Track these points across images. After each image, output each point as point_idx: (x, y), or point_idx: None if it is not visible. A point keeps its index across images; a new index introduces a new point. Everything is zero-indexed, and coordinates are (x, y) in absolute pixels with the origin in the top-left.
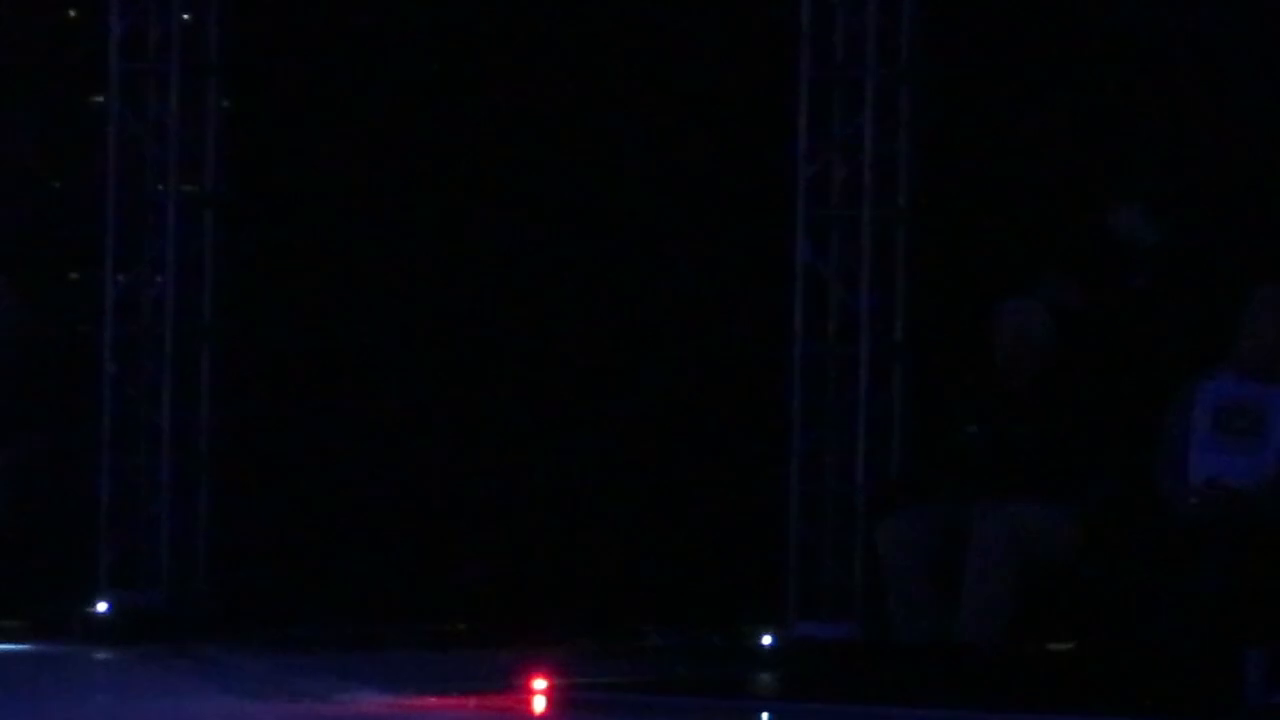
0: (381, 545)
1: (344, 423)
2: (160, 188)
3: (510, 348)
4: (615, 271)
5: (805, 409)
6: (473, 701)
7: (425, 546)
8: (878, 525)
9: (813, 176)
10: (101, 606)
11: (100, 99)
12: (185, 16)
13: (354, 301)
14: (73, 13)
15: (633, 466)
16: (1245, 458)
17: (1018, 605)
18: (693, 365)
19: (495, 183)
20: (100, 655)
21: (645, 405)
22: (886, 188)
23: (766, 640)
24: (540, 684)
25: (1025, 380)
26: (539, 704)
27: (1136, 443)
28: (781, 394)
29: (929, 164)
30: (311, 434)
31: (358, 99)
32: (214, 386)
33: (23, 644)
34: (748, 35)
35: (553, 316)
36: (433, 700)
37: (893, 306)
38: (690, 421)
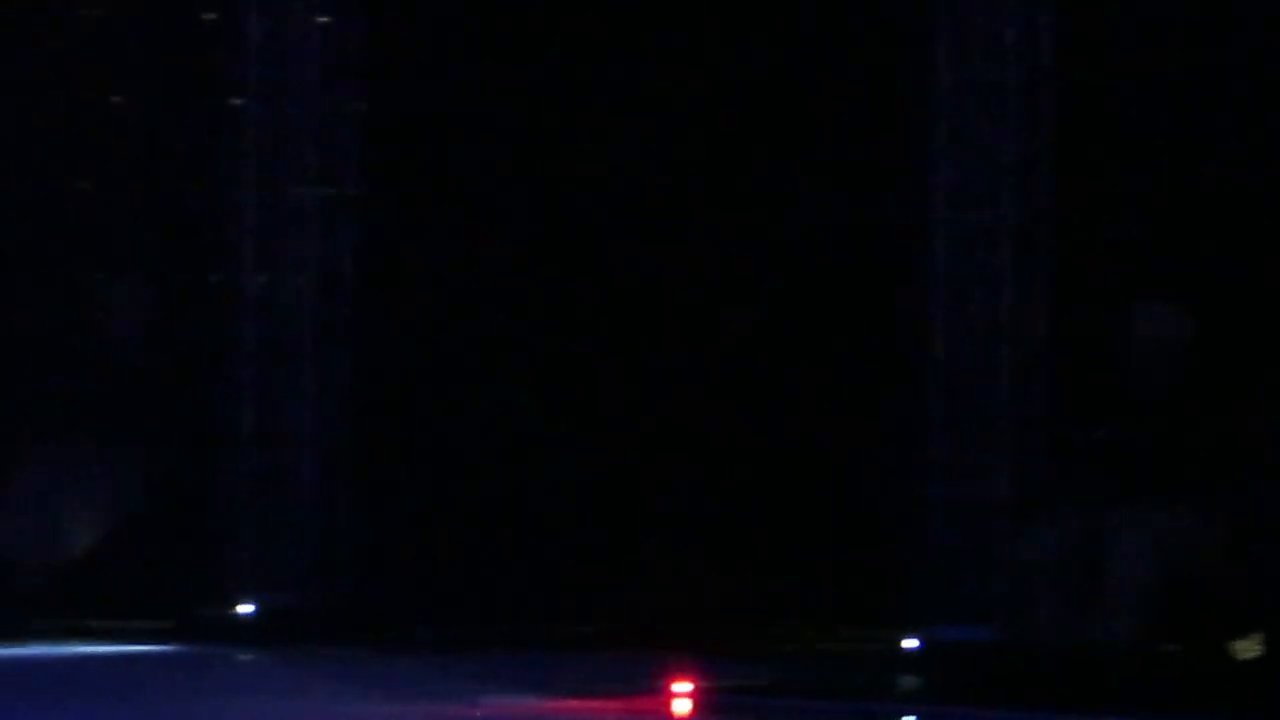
0: (522, 545)
1: (483, 421)
2: (299, 190)
3: (648, 354)
4: (753, 280)
5: (945, 414)
6: (617, 704)
7: (567, 548)
8: (1020, 529)
9: (951, 181)
10: (246, 608)
11: (238, 101)
12: (323, 19)
13: (491, 302)
14: (211, 15)
15: (775, 473)
16: None
17: (1159, 609)
18: (835, 372)
19: (624, 189)
20: (244, 656)
21: (788, 414)
22: (1027, 191)
23: (910, 644)
24: (683, 687)
25: (1161, 383)
26: (682, 707)
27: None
28: (923, 399)
29: (1067, 167)
30: (451, 433)
31: (493, 102)
32: (354, 387)
33: (171, 645)
34: (884, 38)
35: (687, 323)
36: (577, 703)
37: (1034, 310)
38: (834, 428)
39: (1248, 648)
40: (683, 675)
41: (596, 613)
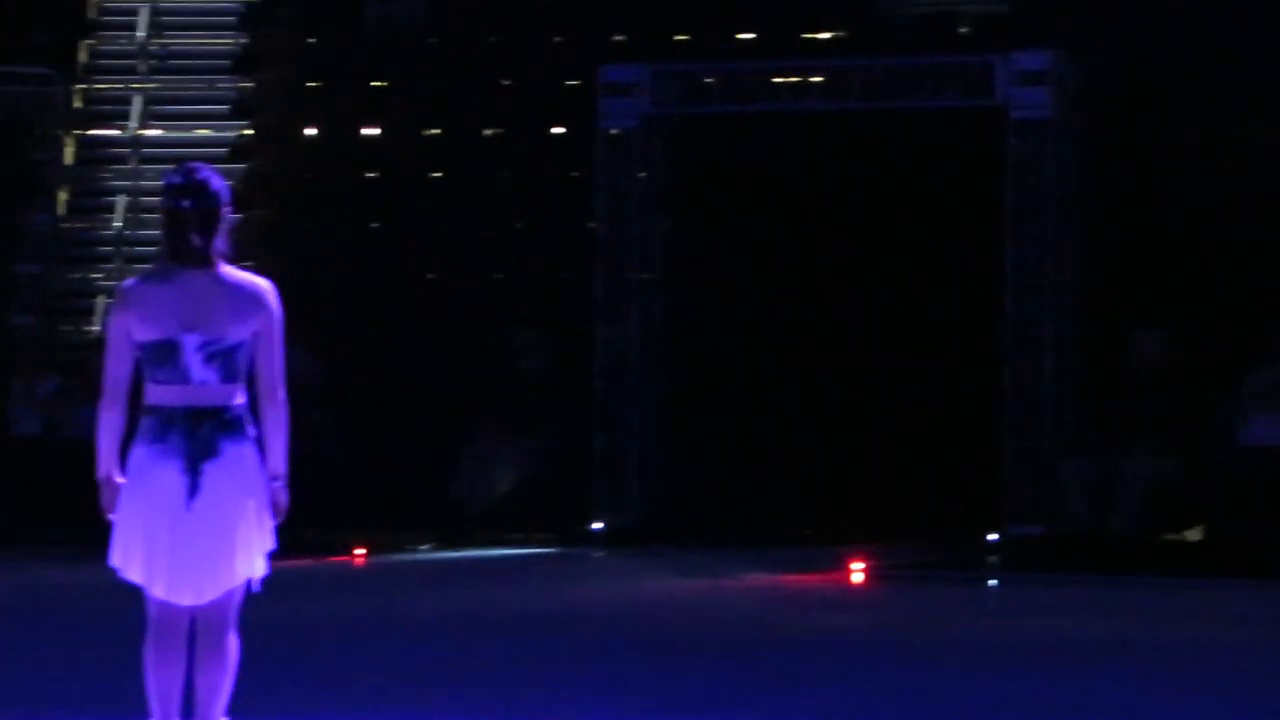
0: (771, 479)
1: (741, 408)
2: (628, 275)
3: (849, 347)
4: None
5: (1014, 391)
6: (817, 577)
7: (794, 483)
8: (1061, 464)
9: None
10: (597, 525)
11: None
12: (641, 174)
13: (756, 338)
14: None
15: (916, 435)
16: None
17: (1150, 514)
18: (956, 361)
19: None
20: (597, 554)
21: (921, 395)
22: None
23: (993, 536)
24: (859, 565)
25: (1146, 379)
26: (858, 579)
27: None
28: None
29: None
30: (719, 419)
31: (765, 214)
32: (663, 394)
33: (547, 549)
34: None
35: (863, 330)
36: (792, 578)
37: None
38: (947, 401)
39: (1196, 534)
40: (858, 558)
41: (813, 520)
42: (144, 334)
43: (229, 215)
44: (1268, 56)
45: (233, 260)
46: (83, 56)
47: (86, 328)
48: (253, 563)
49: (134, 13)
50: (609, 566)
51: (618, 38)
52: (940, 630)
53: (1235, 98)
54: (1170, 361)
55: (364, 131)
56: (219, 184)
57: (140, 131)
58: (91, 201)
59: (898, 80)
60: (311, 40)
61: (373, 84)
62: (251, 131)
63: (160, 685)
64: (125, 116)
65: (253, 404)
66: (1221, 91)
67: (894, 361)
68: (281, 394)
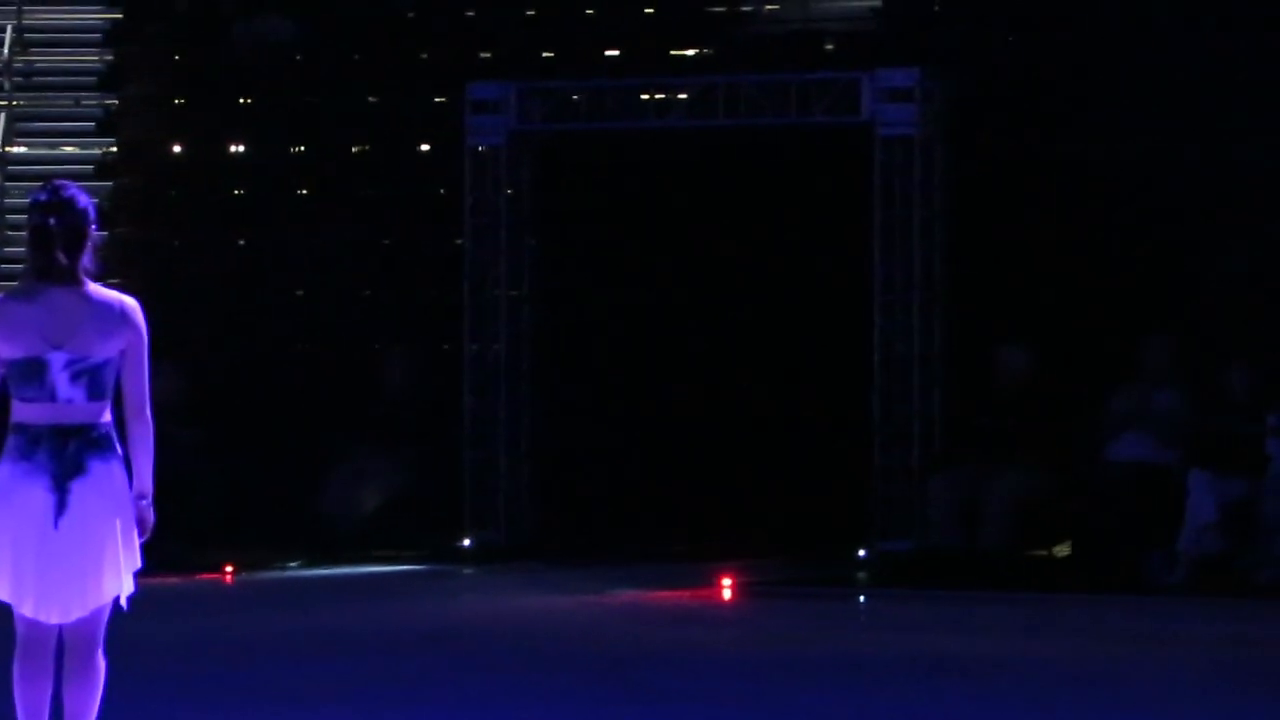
0: (641, 495)
1: (610, 424)
2: (497, 291)
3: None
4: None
5: (884, 409)
6: (688, 594)
7: (664, 499)
8: (928, 480)
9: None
10: (466, 541)
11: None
12: (508, 191)
13: (628, 344)
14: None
15: (791, 448)
16: None
17: (1017, 530)
18: (826, 375)
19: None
20: (467, 571)
21: (795, 405)
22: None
23: (861, 552)
24: (728, 581)
25: (1012, 395)
26: (726, 594)
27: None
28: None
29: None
30: (588, 435)
31: (632, 231)
32: (531, 410)
33: (416, 565)
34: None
35: (732, 346)
36: (662, 593)
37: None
38: (819, 418)
39: (1063, 549)
40: (727, 573)
41: (684, 537)
42: (10, 352)
43: (95, 233)
44: (1133, 72)
45: (99, 278)
46: None
47: None
48: (121, 581)
49: None
50: (478, 583)
51: (484, 55)
52: (809, 646)
53: (1102, 114)
54: (1036, 377)
55: (231, 148)
56: (85, 201)
57: (5, 149)
58: None
59: (764, 97)
60: (177, 57)
61: (240, 100)
62: (117, 149)
63: (28, 703)
64: None
65: (119, 422)
66: (1088, 108)
67: (763, 378)
68: (148, 412)
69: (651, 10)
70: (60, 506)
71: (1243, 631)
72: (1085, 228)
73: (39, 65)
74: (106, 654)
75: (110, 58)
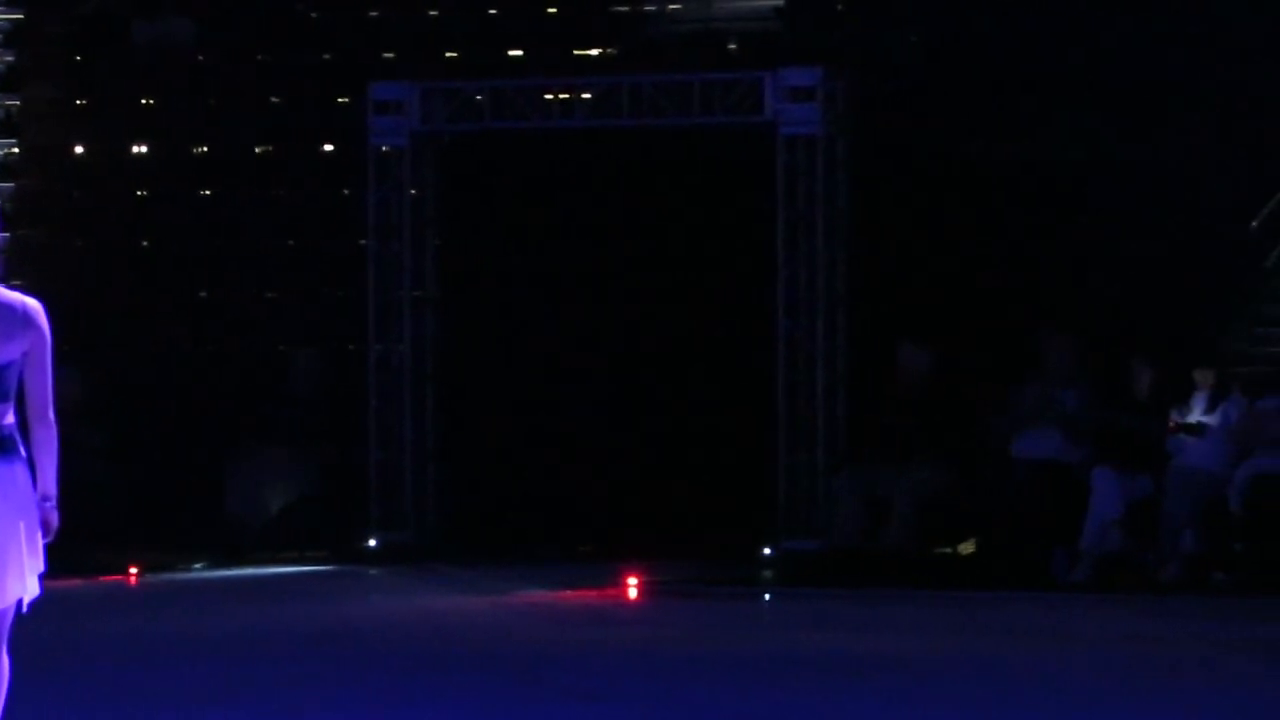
0: (548, 495)
1: (516, 425)
2: (401, 292)
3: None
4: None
5: (789, 407)
6: (594, 593)
7: (570, 500)
8: (833, 478)
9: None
10: (372, 542)
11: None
12: (412, 191)
13: (526, 349)
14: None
15: (694, 448)
16: None
17: (922, 528)
18: (731, 377)
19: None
20: (372, 572)
21: (702, 410)
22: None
23: (766, 551)
24: (634, 580)
25: (915, 393)
26: (632, 593)
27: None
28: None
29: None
30: (494, 436)
31: (536, 231)
32: (436, 407)
33: (322, 566)
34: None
35: (637, 346)
36: (569, 593)
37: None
38: (725, 417)
39: (968, 547)
40: (633, 573)
41: (590, 537)
42: None
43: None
44: (1037, 72)
45: (2, 279)
46: None
47: None
48: (25, 583)
49: None
50: (384, 584)
51: (387, 55)
52: (714, 644)
53: (1004, 113)
54: (940, 375)
55: (133, 149)
56: None
57: None
58: None
59: (667, 97)
60: (79, 58)
61: (142, 101)
62: (19, 150)
63: None
64: None
65: (22, 425)
66: (990, 107)
67: (668, 377)
68: (51, 414)
69: (555, 10)
70: None
71: (1145, 628)
72: (987, 226)
73: None
74: (11, 656)
75: (10, 59)
